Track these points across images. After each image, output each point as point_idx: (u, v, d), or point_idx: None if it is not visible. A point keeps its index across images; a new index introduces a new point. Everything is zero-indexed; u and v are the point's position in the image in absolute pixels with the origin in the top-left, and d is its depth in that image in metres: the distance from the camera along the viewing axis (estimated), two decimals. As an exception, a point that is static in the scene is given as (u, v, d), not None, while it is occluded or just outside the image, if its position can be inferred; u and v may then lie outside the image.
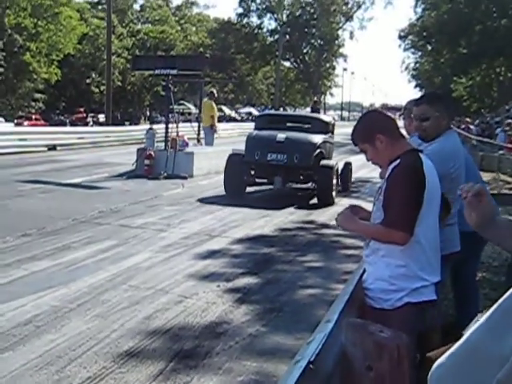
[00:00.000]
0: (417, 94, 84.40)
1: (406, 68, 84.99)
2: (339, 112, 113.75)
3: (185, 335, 6.34)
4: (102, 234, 10.74)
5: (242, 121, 70.03)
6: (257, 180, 16.27)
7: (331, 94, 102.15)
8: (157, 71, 20.12)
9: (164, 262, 9.12)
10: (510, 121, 33.41)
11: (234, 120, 67.79)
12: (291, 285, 8.34)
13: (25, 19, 49.16)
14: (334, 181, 15.64)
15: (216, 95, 24.03)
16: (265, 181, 16.22)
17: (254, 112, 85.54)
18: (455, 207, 4.97)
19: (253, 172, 15.89)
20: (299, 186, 16.56)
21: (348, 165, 17.85)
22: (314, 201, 15.62)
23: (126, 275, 8.29)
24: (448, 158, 4.79)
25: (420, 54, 74.83)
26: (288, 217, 13.40)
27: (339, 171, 16.78)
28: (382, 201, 3.85)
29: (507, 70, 54.90)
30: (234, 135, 40.75)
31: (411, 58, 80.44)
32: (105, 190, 15.68)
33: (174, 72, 19.37)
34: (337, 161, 17.19)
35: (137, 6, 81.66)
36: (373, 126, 4.05)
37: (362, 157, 4.21)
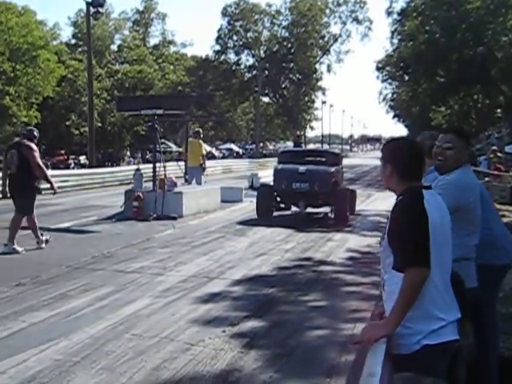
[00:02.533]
0: (395, 124, 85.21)
1: (384, 99, 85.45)
2: (319, 145, 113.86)
3: (196, 386, 6.14)
4: (98, 280, 10.48)
5: (223, 157, 70.02)
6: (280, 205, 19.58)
7: (311, 128, 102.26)
8: (142, 112, 19.93)
9: (165, 307, 8.89)
10: (494, 148, 33.54)
11: (214, 157, 67.68)
12: (298, 327, 8.12)
13: (3, 63, 48.95)
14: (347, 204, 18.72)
15: (201, 134, 23.81)
16: (282, 206, 19.63)
17: (235, 148, 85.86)
18: (473, 240, 4.91)
19: (279, 199, 19.23)
20: (315, 210, 19.92)
21: (353, 191, 21.04)
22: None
23: (127, 324, 8.04)
24: (466, 189, 4.77)
25: (397, 84, 75.25)
26: (284, 255, 13.19)
27: None
28: (387, 240, 3.80)
29: (485, 98, 55.20)
30: (217, 172, 40.64)
31: (388, 88, 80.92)
32: (95, 233, 15.42)
33: (160, 112, 19.19)
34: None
35: (114, 47, 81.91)
36: (392, 152, 4.05)
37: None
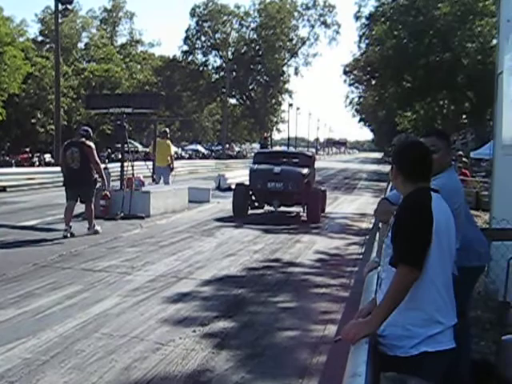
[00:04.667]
0: (361, 128, 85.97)
1: (350, 103, 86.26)
2: (285, 147, 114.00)
3: (168, 386, 6.08)
4: (66, 278, 10.37)
5: (189, 158, 69.65)
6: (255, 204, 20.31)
7: (278, 130, 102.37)
8: (111, 110, 19.69)
9: (134, 307, 8.81)
10: (460, 153, 33.72)
11: (180, 158, 67.36)
12: (268, 327, 8.09)
13: (-33, 59, 48.39)
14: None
15: (169, 134, 23.72)
16: (256, 204, 20.28)
17: (201, 149, 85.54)
18: (456, 244, 4.91)
19: (254, 197, 19.98)
20: (288, 209, 20.67)
21: (324, 191, 21.72)
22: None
23: (96, 323, 7.95)
24: (452, 194, 4.72)
25: (364, 88, 75.74)
26: (253, 256, 13.15)
27: None
28: (390, 237, 3.76)
29: (450, 103, 55.72)
30: (183, 173, 40.43)
31: (355, 92, 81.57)
32: (61, 232, 15.22)
33: (129, 110, 19.01)
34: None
35: (81, 45, 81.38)
36: (397, 154, 4.13)
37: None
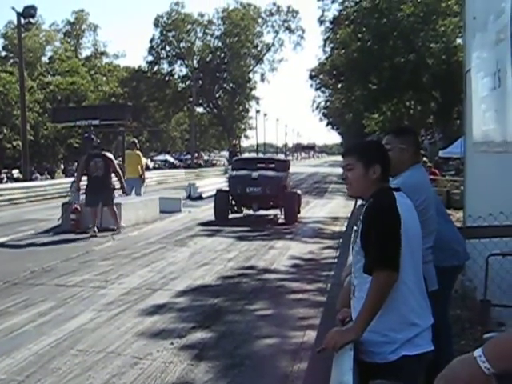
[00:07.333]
0: (329, 131, 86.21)
1: (317, 107, 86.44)
2: (254, 154, 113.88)
3: (147, 401, 5.96)
4: (39, 295, 10.18)
5: (158, 168, 69.43)
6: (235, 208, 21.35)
7: (246, 137, 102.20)
8: (78, 123, 19.56)
9: (109, 321, 8.66)
10: (424, 159, 33.59)
11: (147, 169, 66.98)
12: (247, 336, 7.99)
13: None
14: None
15: (138, 145, 23.53)
16: (236, 209, 21.33)
17: (170, 159, 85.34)
18: (426, 243, 4.83)
19: (233, 202, 21.00)
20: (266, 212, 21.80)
21: (299, 195, 22.43)
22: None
23: (71, 339, 7.79)
24: (413, 191, 4.58)
25: (330, 92, 75.88)
26: (227, 264, 13.05)
27: None
28: (360, 243, 3.62)
29: (417, 104, 55.96)
30: (152, 183, 40.23)
31: (322, 96, 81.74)
32: (33, 247, 15.04)
33: (96, 122, 18.90)
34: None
35: (45, 59, 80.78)
36: (378, 153, 3.90)
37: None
